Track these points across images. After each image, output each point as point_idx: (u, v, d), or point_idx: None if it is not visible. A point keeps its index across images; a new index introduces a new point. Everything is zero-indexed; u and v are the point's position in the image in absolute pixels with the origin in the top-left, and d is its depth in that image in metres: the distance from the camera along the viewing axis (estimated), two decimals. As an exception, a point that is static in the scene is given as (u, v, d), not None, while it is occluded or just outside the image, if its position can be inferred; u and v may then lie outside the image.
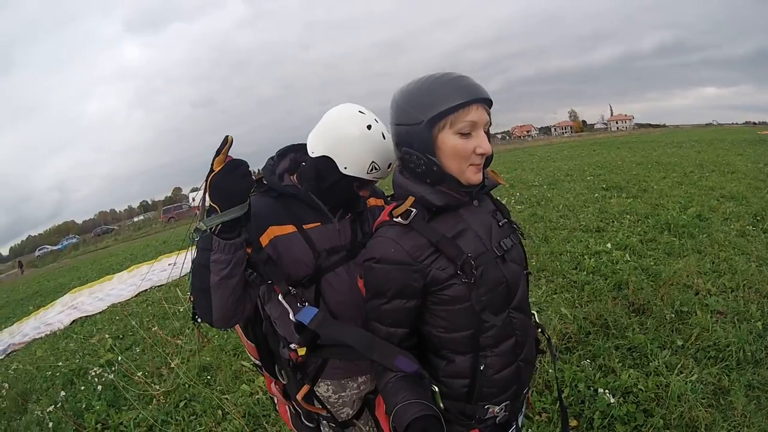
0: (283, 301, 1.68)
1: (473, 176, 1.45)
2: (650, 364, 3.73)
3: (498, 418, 1.58)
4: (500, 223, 1.59)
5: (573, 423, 3.27)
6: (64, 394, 5.32)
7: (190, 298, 1.68)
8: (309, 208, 1.85)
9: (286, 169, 1.94)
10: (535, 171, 18.72)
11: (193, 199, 53.47)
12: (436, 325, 1.50)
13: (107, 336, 7.39)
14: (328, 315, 1.68)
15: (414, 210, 1.45)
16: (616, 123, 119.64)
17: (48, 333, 9.29)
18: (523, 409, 1.79)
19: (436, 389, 1.46)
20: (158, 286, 10.94)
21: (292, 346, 1.77)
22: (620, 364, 3.79)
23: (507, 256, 1.53)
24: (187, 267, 1.65)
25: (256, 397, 4.33)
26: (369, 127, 1.73)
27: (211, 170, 1.44)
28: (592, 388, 3.51)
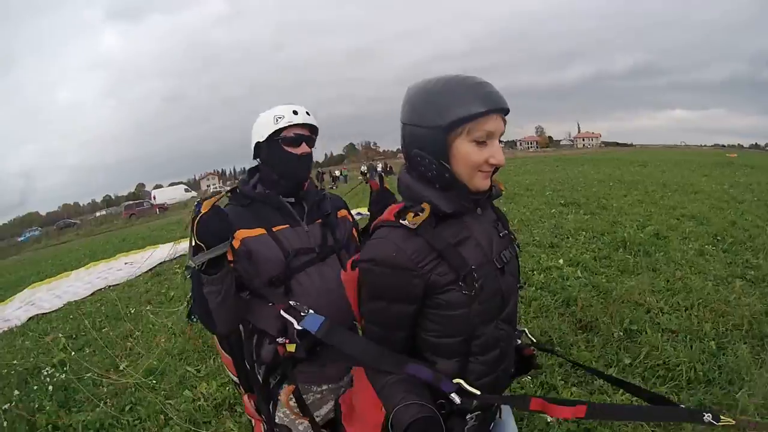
0: (286, 315, 1.79)
1: (482, 183, 1.46)
2: (595, 382, 3.71)
3: (467, 426, 1.57)
4: (501, 234, 1.61)
5: None
6: (18, 393, 5.38)
7: (189, 301, 2.03)
8: (277, 212, 2.08)
9: (257, 182, 2.18)
10: (494, 184, 18.78)
11: (154, 197, 54.36)
12: (428, 329, 1.50)
13: (61, 335, 7.49)
14: (335, 324, 1.72)
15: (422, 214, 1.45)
16: (583, 140, 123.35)
17: (6, 329, 9.32)
18: (498, 417, 1.81)
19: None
20: (113, 286, 11.19)
21: (280, 340, 1.94)
22: (563, 382, 3.77)
23: (506, 268, 1.55)
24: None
25: (198, 403, 4.41)
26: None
27: (199, 212, 1.70)
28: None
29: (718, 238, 7.80)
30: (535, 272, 6.51)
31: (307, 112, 2.08)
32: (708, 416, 1.21)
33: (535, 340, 1.91)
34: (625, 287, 5.62)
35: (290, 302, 1.82)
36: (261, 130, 2.06)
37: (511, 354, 1.67)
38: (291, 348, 1.89)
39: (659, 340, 4.21)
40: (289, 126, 2.02)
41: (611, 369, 3.87)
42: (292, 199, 2.13)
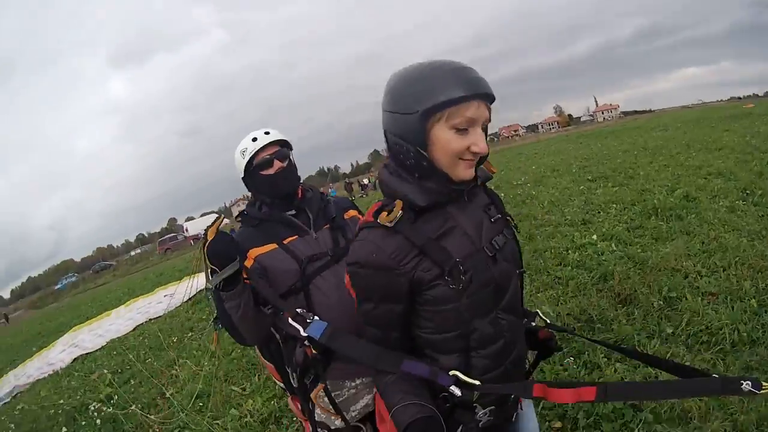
0: (293, 323, 1.84)
1: (464, 172, 1.41)
2: (640, 357, 3.63)
3: (481, 423, 1.53)
4: (492, 219, 1.56)
5: (557, 425, 3.23)
6: (66, 430, 5.77)
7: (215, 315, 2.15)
8: (285, 226, 2.21)
9: (261, 204, 2.31)
10: (521, 170, 18.88)
11: (187, 230, 55.03)
12: (423, 326, 1.49)
13: (106, 371, 7.79)
14: (337, 329, 1.76)
15: (400, 211, 1.41)
16: (602, 113, 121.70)
17: (51, 372, 9.76)
18: (520, 411, 1.79)
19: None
20: (154, 319, 11.53)
21: (307, 343, 1.98)
22: (606, 359, 3.73)
23: (499, 255, 1.50)
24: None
25: (245, 420, 4.58)
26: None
27: (206, 239, 1.84)
28: (575, 387, 3.42)
29: (747, 192, 7.62)
30: (569, 251, 6.50)
31: (266, 132, 2.22)
32: (747, 384, 1.09)
33: (549, 321, 1.81)
34: (661, 254, 5.55)
35: (296, 310, 1.88)
36: (238, 167, 2.25)
37: (520, 345, 1.62)
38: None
39: (700, 305, 4.14)
40: (256, 153, 2.18)
41: (654, 340, 3.82)
42: (294, 211, 2.25)
